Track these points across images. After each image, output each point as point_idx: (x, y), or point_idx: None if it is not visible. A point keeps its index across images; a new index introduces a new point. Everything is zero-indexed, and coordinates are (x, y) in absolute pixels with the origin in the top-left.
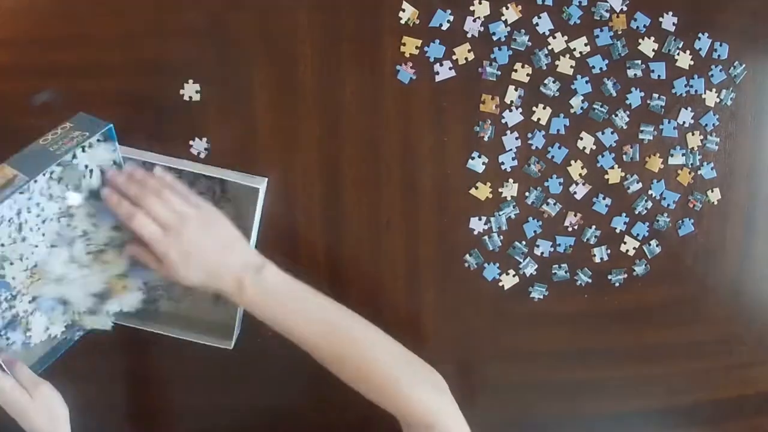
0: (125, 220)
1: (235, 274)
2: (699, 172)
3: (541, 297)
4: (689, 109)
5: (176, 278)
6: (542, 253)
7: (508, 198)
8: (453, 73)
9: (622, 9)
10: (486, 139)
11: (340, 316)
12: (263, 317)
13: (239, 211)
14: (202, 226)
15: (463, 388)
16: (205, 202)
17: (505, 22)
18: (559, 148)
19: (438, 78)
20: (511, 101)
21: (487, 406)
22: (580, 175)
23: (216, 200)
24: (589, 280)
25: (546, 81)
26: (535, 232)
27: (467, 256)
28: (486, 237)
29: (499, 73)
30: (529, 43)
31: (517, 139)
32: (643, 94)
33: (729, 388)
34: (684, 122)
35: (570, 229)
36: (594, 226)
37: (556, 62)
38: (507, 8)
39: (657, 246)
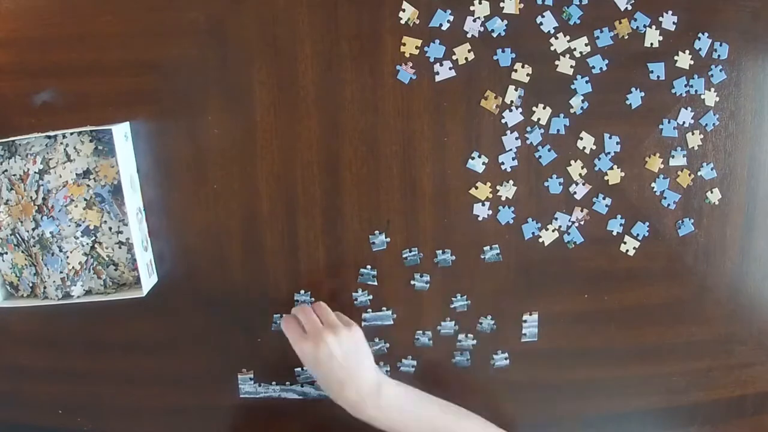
0: (282, 322)
1: (356, 395)
2: (699, 173)
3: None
4: (689, 109)
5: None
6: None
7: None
8: (453, 73)
9: (626, 8)
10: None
11: (449, 421)
12: (381, 427)
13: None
14: (338, 345)
15: (463, 388)
16: (353, 324)
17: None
18: (549, 150)
19: (438, 78)
20: (511, 101)
21: (487, 406)
22: (580, 175)
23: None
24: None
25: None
26: (533, 233)
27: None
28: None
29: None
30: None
31: (517, 139)
32: (643, 94)
33: (729, 388)
34: (684, 122)
35: (576, 224)
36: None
37: (556, 62)
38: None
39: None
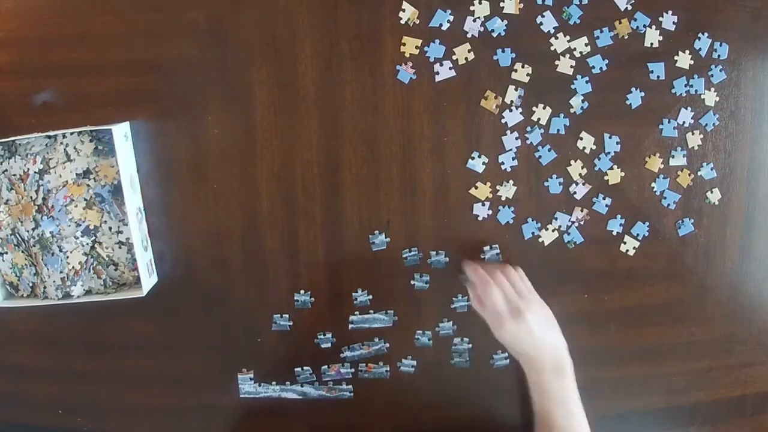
0: (478, 282)
1: (542, 364)
2: (699, 173)
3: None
4: (689, 109)
5: (493, 331)
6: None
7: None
8: (453, 73)
9: (626, 8)
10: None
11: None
12: (537, 394)
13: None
14: (536, 320)
15: (463, 388)
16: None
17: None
18: (549, 150)
19: (438, 78)
20: (511, 101)
21: (487, 406)
22: (580, 175)
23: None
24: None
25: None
26: (533, 233)
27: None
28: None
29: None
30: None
31: (516, 139)
32: (643, 94)
33: (729, 388)
34: (684, 122)
35: (576, 224)
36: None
37: (556, 62)
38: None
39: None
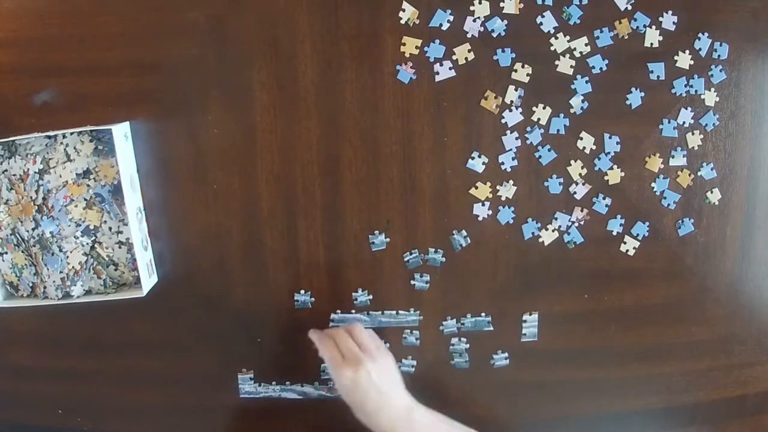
0: (317, 342)
1: (389, 420)
2: (699, 173)
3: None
4: (689, 109)
5: (335, 382)
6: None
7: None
8: (453, 73)
9: (626, 8)
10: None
11: None
12: None
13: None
14: (376, 372)
15: (463, 388)
16: (385, 349)
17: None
18: (549, 150)
19: (438, 78)
20: (511, 101)
21: (487, 406)
22: (580, 175)
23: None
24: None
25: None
26: (533, 233)
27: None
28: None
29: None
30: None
31: (516, 139)
32: (643, 94)
33: (729, 388)
34: (684, 122)
35: (576, 224)
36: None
37: (556, 62)
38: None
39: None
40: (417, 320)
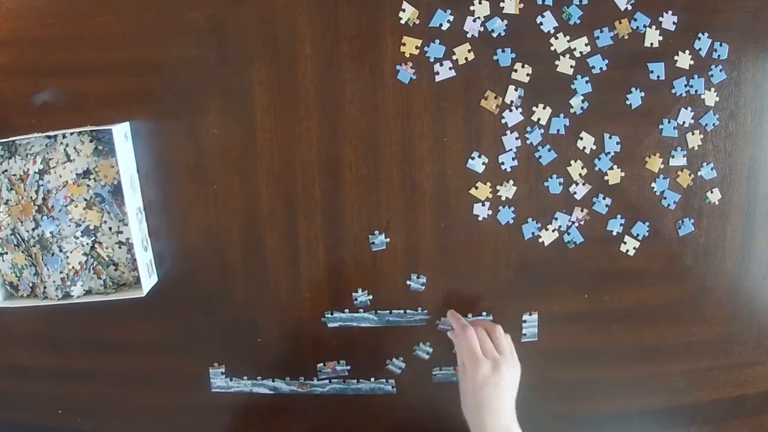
0: (458, 328)
1: (492, 424)
2: (699, 173)
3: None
4: (689, 109)
5: (462, 375)
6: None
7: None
8: (453, 73)
9: (626, 8)
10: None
11: None
12: None
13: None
14: (509, 378)
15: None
16: (517, 357)
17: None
18: (549, 150)
19: (438, 78)
20: (511, 101)
21: None
22: (580, 175)
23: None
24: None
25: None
26: (533, 233)
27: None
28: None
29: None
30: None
31: (517, 139)
32: (643, 94)
33: (729, 388)
34: (684, 122)
35: (576, 224)
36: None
37: (556, 62)
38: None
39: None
40: (425, 320)
